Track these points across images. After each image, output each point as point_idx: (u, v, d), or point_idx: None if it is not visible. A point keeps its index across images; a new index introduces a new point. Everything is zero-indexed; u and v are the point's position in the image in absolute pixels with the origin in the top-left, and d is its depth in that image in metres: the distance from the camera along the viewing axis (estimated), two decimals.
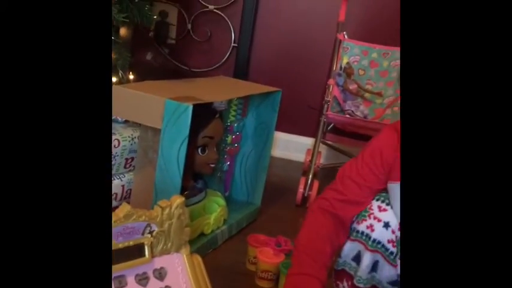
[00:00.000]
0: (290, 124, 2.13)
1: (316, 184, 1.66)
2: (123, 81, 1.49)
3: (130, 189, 1.32)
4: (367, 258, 0.86)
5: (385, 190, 0.87)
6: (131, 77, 1.63)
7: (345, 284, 0.90)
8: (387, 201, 0.86)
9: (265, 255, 1.16)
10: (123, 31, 1.56)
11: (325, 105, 1.74)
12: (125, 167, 1.32)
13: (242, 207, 1.49)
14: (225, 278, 1.15)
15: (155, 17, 1.46)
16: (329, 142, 1.96)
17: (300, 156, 2.14)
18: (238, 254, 1.28)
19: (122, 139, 1.28)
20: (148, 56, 2.08)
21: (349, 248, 0.88)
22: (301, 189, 1.66)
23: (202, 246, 1.22)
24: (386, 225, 0.84)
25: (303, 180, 1.68)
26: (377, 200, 0.87)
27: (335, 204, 0.88)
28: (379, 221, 0.84)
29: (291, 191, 1.74)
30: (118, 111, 1.18)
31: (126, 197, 1.32)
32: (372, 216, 0.85)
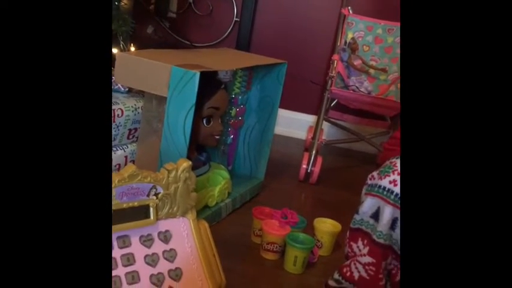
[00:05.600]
0: (292, 101, 2.11)
1: (319, 160, 1.65)
2: (124, 52, 1.46)
3: (133, 160, 1.30)
4: (387, 213, 0.85)
5: None
6: (132, 49, 1.59)
7: (360, 243, 0.89)
8: None
9: (271, 227, 1.14)
10: (124, 0, 1.52)
11: (329, 81, 1.72)
12: (128, 138, 1.30)
13: (245, 181, 1.47)
14: (229, 250, 1.14)
15: None
16: (332, 119, 1.94)
17: (301, 134, 2.12)
18: (243, 226, 1.26)
19: (125, 109, 1.25)
20: (149, 29, 2.04)
21: (369, 205, 0.87)
22: (304, 165, 1.65)
23: (207, 218, 1.20)
24: None
25: (306, 156, 1.66)
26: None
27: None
28: None
29: (293, 167, 1.73)
30: (122, 78, 1.15)
31: None
32: (395, 172, 0.84)
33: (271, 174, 1.58)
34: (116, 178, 0.76)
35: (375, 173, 0.88)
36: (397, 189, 0.84)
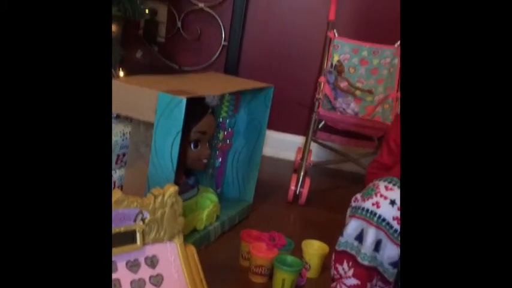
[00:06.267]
0: (280, 122, 2.13)
1: (308, 181, 1.66)
2: (113, 77, 1.48)
3: (122, 186, 1.30)
4: (371, 235, 0.86)
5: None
6: (121, 74, 1.61)
7: (345, 265, 0.90)
8: (394, 182, 0.87)
9: (259, 250, 1.15)
10: (113, 27, 1.54)
11: (316, 103, 1.74)
12: (116, 163, 1.31)
13: (234, 204, 1.48)
14: (218, 274, 1.14)
15: (147, 11, 1.44)
16: (320, 140, 1.96)
17: (291, 155, 2.14)
18: (231, 250, 1.27)
19: (113, 134, 1.26)
20: (138, 54, 2.06)
21: (353, 227, 0.89)
22: (292, 187, 1.66)
23: (195, 242, 1.21)
24: (393, 202, 0.85)
25: (294, 177, 1.68)
26: (384, 181, 0.88)
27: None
28: (385, 198, 0.86)
29: (282, 189, 1.74)
30: None
31: None
32: (378, 194, 0.86)
33: (260, 196, 1.59)
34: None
35: (358, 196, 0.90)
36: (379, 211, 0.85)
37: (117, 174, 1.31)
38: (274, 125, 2.07)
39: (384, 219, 0.85)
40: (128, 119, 1.33)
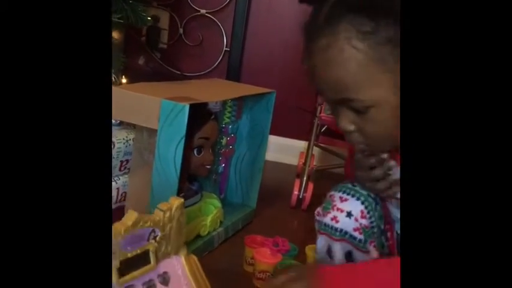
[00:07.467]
0: (283, 127, 2.13)
1: (310, 186, 1.66)
2: (115, 84, 1.49)
3: (125, 192, 1.31)
4: (337, 249, 0.86)
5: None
6: (124, 80, 1.62)
7: None
8: (348, 190, 0.87)
9: (263, 256, 1.15)
10: (115, 34, 1.55)
11: (319, 108, 1.74)
12: (119, 170, 1.31)
13: (237, 209, 1.48)
14: (222, 280, 1.13)
15: (149, 18, 1.44)
16: (322, 144, 1.96)
17: (293, 160, 2.13)
18: (235, 255, 1.27)
19: (116, 141, 1.27)
20: (141, 61, 2.07)
21: (322, 243, 0.88)
22: (295, 192, 1.66)
23: (199, 248, 1.21)
24: (349, 214, 0.84)
25: (297, 182, 1.68)
26: (339, 191, 0.88)
27: None
28: (342, 211, 0.85)
29: (285, 194, 1.74)
30: (113, 112, 1.16)
31: (121, 199, 1.31)
32: (335, 207, 0.85)
33: (263, 201, 1.59)
34: (121, 228, 0.73)
35: (319, 209, 0.89)
36: (339, 226, 0.85)
37: (120, 180, 1.32)
38: (276, 130, 2.07)
39: (346, 232, 0.84)
40: (131, 126, 1.34)
